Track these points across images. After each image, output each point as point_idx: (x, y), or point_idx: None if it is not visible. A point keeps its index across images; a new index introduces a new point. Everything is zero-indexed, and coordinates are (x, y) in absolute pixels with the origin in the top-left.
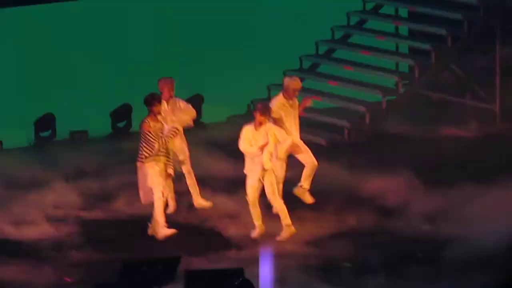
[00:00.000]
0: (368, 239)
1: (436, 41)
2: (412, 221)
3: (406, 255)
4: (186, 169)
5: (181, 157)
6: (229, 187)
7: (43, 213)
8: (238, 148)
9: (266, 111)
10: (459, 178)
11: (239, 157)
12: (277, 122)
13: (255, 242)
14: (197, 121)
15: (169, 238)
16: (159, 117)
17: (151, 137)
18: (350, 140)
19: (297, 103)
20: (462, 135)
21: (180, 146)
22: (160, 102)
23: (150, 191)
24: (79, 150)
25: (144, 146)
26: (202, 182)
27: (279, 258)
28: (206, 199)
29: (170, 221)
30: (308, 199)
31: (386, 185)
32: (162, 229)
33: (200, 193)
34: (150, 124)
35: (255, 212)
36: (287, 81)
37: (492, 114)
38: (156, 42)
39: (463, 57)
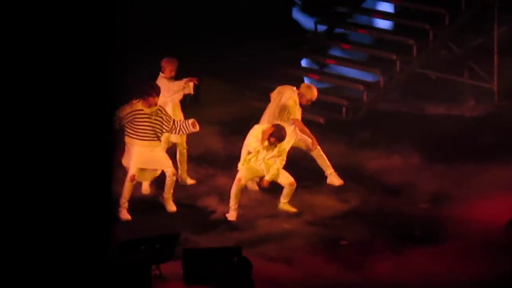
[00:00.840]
0: (371, 218)
1: (434, 20)
2: (413, 199)
3: (408, 234)
4: (182, 144)
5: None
6: (225, 165)
7: None
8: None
9: (281, 138)
10: (457, 156)
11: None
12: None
13: (251, 222)
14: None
15: (164, 217)
16: (147, 108)
17: (136, 119)
18: (348, 118)
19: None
20: (460, 114)
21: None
22: (158, 95)
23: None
24: None
25: (129, 126)
26: (197, 160)
27: (283, 237)
28: (202, 176)
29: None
30: (338, 181)
31: (385, 164)
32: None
33: (187, 171)
34: (138, 106)
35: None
36: (304, 89)
37: (490, 92)
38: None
39: (461, 36)
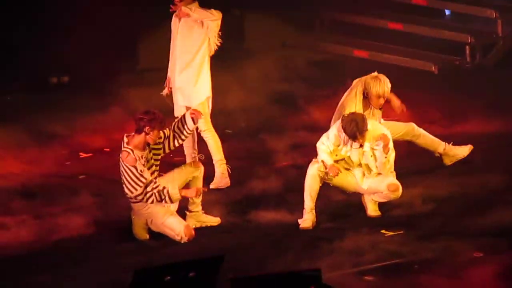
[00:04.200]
0: None
1: None
2: None
3: None
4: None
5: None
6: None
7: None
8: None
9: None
10: None
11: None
12: None
13: (335, 229)
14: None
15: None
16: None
17: (140, 173)
18: (475, 63)
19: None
20: None
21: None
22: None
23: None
24: None
25: (133, 185)
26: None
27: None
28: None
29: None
30: (462, 151)
31: None
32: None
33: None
34: (136, 156)
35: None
36: (369, 82)
37: None
38: None
39: None
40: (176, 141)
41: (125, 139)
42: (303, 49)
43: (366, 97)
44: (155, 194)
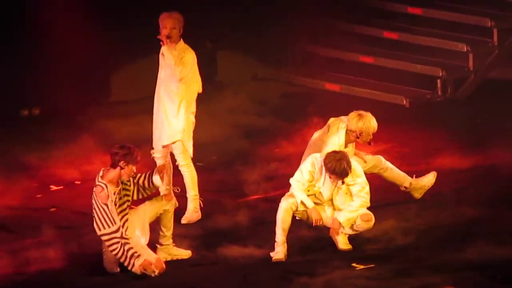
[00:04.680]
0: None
1: None
2: None
3: None
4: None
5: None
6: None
7: None
8: None
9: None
10: None
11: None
12: None
13: (316, 261)
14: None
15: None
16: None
17: (110, 212)
18: (446, 96)
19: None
20: None
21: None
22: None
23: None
24: None
25: (103, 223)
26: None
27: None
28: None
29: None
30: (428, 180)
31: None
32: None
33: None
34: (109, 192)
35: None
36: (361, 121)
37: None
38: None
39: None
40: (140, 194)
41: (101, 173)
42: (275, 82)
43: (358, 136)
44: (122, 248)
